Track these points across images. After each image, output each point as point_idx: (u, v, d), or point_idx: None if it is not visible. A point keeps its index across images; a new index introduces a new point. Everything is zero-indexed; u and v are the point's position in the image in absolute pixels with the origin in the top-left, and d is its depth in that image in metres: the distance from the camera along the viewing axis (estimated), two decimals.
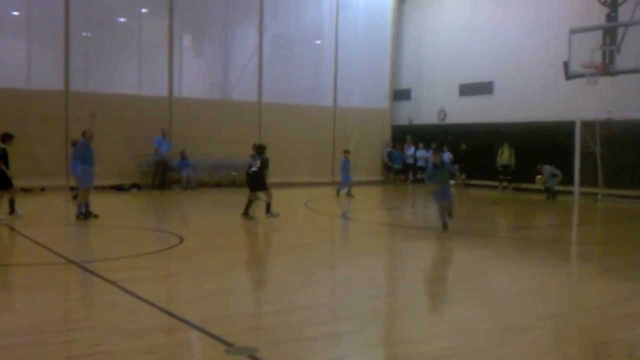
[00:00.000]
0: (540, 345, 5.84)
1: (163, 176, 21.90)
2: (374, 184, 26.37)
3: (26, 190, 19.00)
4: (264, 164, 14.11)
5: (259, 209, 14.38)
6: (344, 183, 20.24)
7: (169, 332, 5.99)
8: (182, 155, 22.22)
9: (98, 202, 17.04)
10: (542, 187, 20.80)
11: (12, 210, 13.62)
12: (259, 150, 14.21)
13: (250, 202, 14.23)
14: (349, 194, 19.90)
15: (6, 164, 13.63)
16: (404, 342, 5.98)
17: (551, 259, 10.61)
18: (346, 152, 20.85)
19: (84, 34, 22.02)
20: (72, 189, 17.05)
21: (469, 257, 10.84)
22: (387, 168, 28.11)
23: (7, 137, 13.88)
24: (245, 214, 14.04)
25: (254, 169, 14.05)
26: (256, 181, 14.06)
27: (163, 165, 21.83)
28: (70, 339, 5.74)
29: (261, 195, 14.40)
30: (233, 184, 23.38)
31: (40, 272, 8.69)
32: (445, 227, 12.59)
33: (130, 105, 21.81)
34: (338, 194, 20.20)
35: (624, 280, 8.79)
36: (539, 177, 20.52)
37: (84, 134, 14.16)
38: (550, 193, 20.52)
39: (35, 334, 5.81)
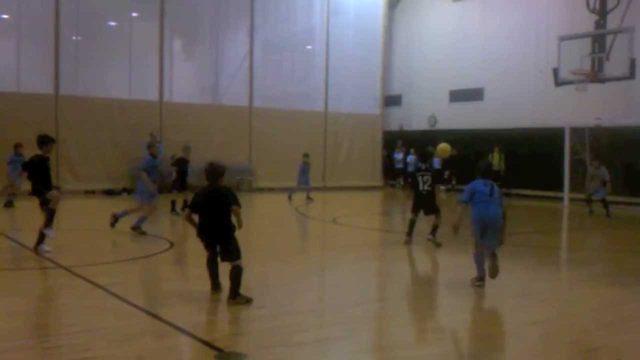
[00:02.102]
0: (529, 351, 5.86)
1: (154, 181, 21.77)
2: (366, 189, 26.38)
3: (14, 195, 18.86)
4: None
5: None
6: (301, 187, 20.32)
7: (158, 337, 5.96)
8: (172, 160, 22.12)
9: (88, 207, 17.02)
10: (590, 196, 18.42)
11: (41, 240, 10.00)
12: None
13: None
14: (309, 197, 20.00)
15: (46, 176, 10.06)
16: (394, 347, 5.98)
17: (540, 265, 10.65)
18: (305, 156, 20.80)
19: (74, 37, 21.97)
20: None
21: (459, 263, 10.84)
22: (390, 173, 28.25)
23: (43, 142, 10.25)
24: None
25: None
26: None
27: None
28: (59, 344, 5.70)
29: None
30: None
31: (28, 276, 8.64)
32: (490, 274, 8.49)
33: (120, 109, 21.77)
34: (290, 198, 20.24)
35: (612, 286, 8.82)
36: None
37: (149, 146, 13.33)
38: (605, 207, 17.85)
39: (23, 339, 5.77)
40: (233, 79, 24.95)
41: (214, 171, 7.50)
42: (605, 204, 17.76)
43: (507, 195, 23.68)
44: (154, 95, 22.67)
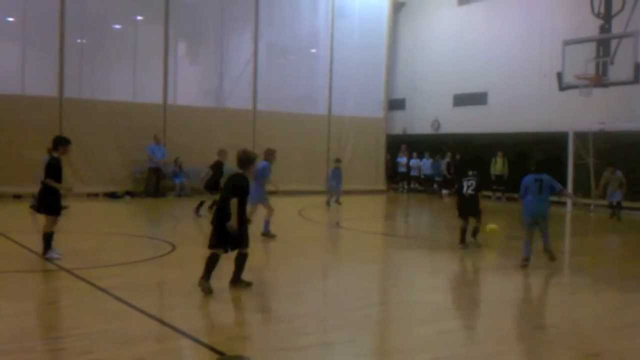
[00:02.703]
0: (531, 355, 5.85)
1: (156, 183, 21.85)
2: (369, 193, 26.37)
3: (17, 197, 18.94)
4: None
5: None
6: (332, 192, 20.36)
7: (160, 340, 5.97)
8: (176, 163, 22.19)
9: (91, 210, 17.04)
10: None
11: (46, 247, 9.79)
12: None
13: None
14: (338, 201, 20.02)
15: (58, 178, 9.88)
16: (396, 351, 5.97)
17: (544, 270, 10.62)
18: (337, 161, 20.87)
19: (79, 40, 22.01)
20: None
21: (462, 267, 10.85)
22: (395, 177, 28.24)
23: (59, 144, 10.07)
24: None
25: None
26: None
27: (156, 172, 21.79)
28: (61, 346, 5.71)
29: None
30: None
31: (31, 279, 8.65)
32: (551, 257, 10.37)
33: (124, 112, 21.78)
34: (330, 203, 20.20)
35: (615, 291, 8.81)
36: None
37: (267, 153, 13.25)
38: (617, 209, 18.29)
39: (25, 341, 5.78)
40: (237, 82, 24.97)
41: (242, 158, 8.33)
42: (620, 207, 18.24)
43: (510, 200, 23.71)
44: (158, 98, 22.69)
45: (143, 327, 6.31)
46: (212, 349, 5.53)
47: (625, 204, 19.18)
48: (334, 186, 20.31)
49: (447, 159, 25.41)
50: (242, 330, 6.49)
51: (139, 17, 23.66)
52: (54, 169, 9.84)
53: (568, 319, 7.19)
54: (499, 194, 24.09)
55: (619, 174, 18.27)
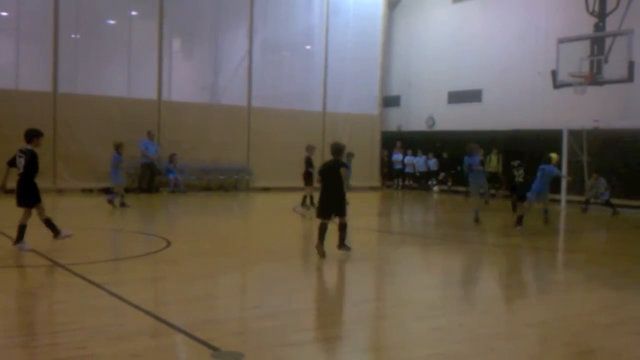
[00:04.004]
0: (525, 353, 5.87)
1: (150, 179, 21.81)
2: (364, 190, 26.38)
3: (11, 192, 18.84)
4: None
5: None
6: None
7: (154, 336, 5.96)
8: (170, 159, 22.15)
9: (85, 205, 17.01)
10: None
11: (19, 238, 9.95)
12: None
13: None
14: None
15: (37, 170, 10.30)
16: (390, 348, 5.98)
17: (537, 267, 10.67)
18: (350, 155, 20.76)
19: (73, 35, 21.94)
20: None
21: (456, 264, 10.87)
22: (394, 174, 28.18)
23: (34, 136, 10.30)
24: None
25: None
26: None
27: (150, 168, 21.74)
28: (55, 341, 5.70)
29: None
30: (221, 187, 23.37)
31: (25, 274, 8.63)
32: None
33: (118, 107, 21.73)
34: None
35: (609, 288, 8.84)
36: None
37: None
38: (612, 206, 18.84)
39: (19, 336, 5.77)
40: (232, 78, 24.94)
41: (336, 147, 10.27)
42: (610, 204, 18.79)
43: (505, 197, 23.74)
44: (152, 94, 22.64)
45: (137, 322, 6.30)
46: (207, 345, 5.53)
47: (619, 202, 19.30)
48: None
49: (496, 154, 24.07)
50: (237, 326, 6.49)
51: (134, 13, 23.60)
52: (35, 161, 10.05)
53: (562, 316, 7.21)
54: (493, 192, 24.10)
55: (602, 181, 19.01)
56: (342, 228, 10.16)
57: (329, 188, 10.12)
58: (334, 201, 10.09)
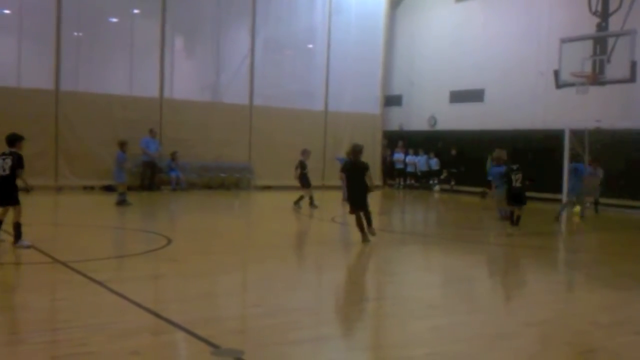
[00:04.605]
0: (525, 352, 5.86)
1: (152, 177, 21.82)
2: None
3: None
4: None
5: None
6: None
7: (155, 333, 5.96)
8: (173, 157, 22.15)
9: (87, 203, 17.02)
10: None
11: (17, 236, 10.01)
12: None
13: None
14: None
15: (21, 171, 10.31)
16: (390, 346, 5.98)
17: (538, 266, 10.66)
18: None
19: (76, 33, 21.93)
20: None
21: (456, 263, 10.87)
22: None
23: (16, 140, 10.49)
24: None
25: None
26: None
27: (151, 166, 21.75)
28: (56, 339, 5.70)
29: None
30: (222, 186, 23.37)
31: (25, 271, 8.64)
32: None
33: (120, 105, 21.74)
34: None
35: (610, 288, 8.83)
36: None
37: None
38: (595, 204, 18.98)
39: (19, 333, 5.77)
40: (234, 76, 24.94)
41: (356, 150, 11.66)
42: (596, 202, 18.84)
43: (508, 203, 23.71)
44: (154, 92, 22.66)
45: (138, 320, 6.30)
46: (207, 342, 5.53)
47: (622, 202, 19.31)
48: None
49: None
50: (237, 323, 6.49)
51: (136, 11, 23.59)
52: (22, 162, 10.24)
53: (563, 315, 7.21)
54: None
55: (600, 172, 18.81)
56: (368, 216, 11.71)
57: (355, 185, 11.75)
58: (359, 196, 11.64)
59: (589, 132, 20.23)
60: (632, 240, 14.94)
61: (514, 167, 13.79)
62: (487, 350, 5.82)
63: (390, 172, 28.43)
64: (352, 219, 11.88)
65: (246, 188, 23.76)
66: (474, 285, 8.98)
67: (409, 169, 27.63)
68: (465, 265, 10.70)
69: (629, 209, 19.57)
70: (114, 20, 23.37)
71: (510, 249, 12.35)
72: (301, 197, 17.50)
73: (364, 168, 11.58)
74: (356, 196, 11.71)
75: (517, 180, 13.54)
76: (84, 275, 8.02)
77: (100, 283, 7.61)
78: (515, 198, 13.64)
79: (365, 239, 11.53)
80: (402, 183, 28.03)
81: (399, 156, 27.92)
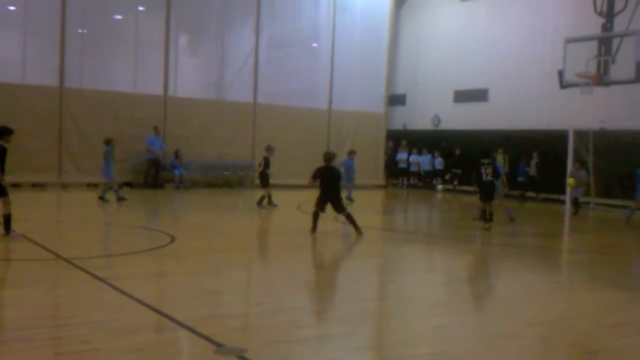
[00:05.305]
0: (528, 352, 5.86)
1: (155, 175, 21.85)
2: (368, 188, 26.37)
3: (16, 186, 18.91)
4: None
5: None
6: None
7: (158, 331, 5.98)
8: (176, 155, 22.17)
9: (90, 199, 17.04)
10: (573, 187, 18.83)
11: (7, 229, 10.38)
12: None
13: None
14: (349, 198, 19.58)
15: (3, 164, 10.50)
16: (392, 345, 5.98)
17: (541, 267, 10.65)
18: (351, 152, 20.64)
19: (80, 30, 21.94)
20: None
21: (459, 263, 10.87)
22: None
23: (4, 133, 10.62)
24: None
25: None
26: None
27: (155, 163, 21.77)
28: (59, 335, 5.72)
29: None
30: (226, 184, 23.38)
31: (29, 268, 8.65)
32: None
33: (124, 103, 21.77)
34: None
35: (613, 289, 8.82)
36: (570, 179, 18.53)
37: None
38: (577, 205, 18.70)
39: (23, 330, 5.78)
40: (238, 74, 24.93)
41: (328, 156, 12.77)
42: (577, 203, 18.62)
43: (508, 196, 23.72)
44: (158, 90, 22.67)
45: (141, 317, 6.32)
46: (210, 340, 5.54)
47: (625, 203, 19.24)
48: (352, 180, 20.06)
49: (535, 159, 22.95)
50: (240, 322, 6.50)
51: (141, 8, 23.59)
52: (3, 156, 10.34)
53: (565, 316, 7.21)
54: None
55: (582, 172, 18.74)
56: (349, 219, 12.25)
57: (327, 189, 12.36)
58: (331, 199, 12.39)
59: (593, 132, 20.20)
60: (636, 241, 14.91)
61: (485, 161, 13.92)
62: (489, 351, 5.82)
63: (393, 171, 28.39)
64: (358, 225, 12.07)
65: (249, 186, 23.75)
66: (476, 285, 8.97)
67: (412, 168, 27.60)
68: (468, 265, 10.69)
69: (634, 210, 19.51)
70: (119, 17, 23.38)
71: (512, 249, 12.34)
72: (262, 197, 17.02)
73: (338, 174, 12.59)
74: (330, 200, 12.39)
75: (487, 174, 13.71)
76: (88, 272, 8.04)
77: (103, 280, 7.63)
78: (486, 191, 13.81)
79: (313, 231, 12.28)
80: (405, 182, 28.01)
81: (402, 155, 27.88)
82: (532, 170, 22.45)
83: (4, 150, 10.39)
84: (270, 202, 16.97)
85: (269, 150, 17.49)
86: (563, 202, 20.67)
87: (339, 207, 12.41)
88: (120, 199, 16.82)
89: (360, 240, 12.00)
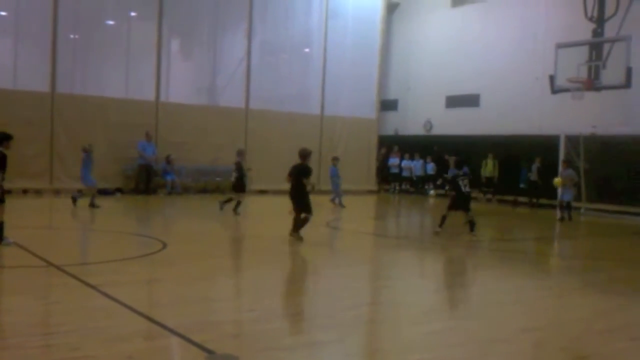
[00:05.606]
0: (520, 357, 5.87)
1: (147, 181, 21.78)
2: (360, 193, 26.39)
3: (7, 192, 18.80)
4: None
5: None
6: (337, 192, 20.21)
7: (149, 338, 5.94)
8: (167, 160, 22.12)
9: (81, 205, 16.97)
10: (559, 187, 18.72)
11: (0, 237, 10.19)
12: None
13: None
14: (340, 204, 19.82)
15: (3, 171, 10.46)
16: (385, 352, 5.97)
17: (533, 272, 10.67)
18: (334, 159, 20.87)
19: (72, 35, 21.89)
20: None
21: (451, 269, 10.87)
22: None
23: (3, 139, 10.49)
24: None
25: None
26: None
27: (147, 169, 21.71)
28: (49, 343, 5.68)
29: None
30: (218, 189, 23.32)
31: (20, 274, 8.60)
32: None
33: (116, 108, 21.70)
34: (339, 202, 19.96)
35: (604, 294, 8.84)
36: (557, 179, 18.46)
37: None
38: (567, 210, 18.36)
39: (13, 337, 5.74)
40: (230, 80, 24.91)
41: (303, 154, 12.28)
42: (569, 207, 18.37)
43: (501, 201, 23.80)
44: (150, 95, 22.62)
45: (132, 324, 6.28)
46: (202, 347, 5.52)
47: (616, 208, 19.34)
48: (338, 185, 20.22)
49: (537, 164, 22.41)
50: (232, 328, 6.48)
51: (133, 13, 23.56)
52: (4, 162, 10.29)
53: (556, 321, 7.21)
54: (489, 196, 24.18)
55: (571, 172, 18.51)
56: (304, 221, 12.01)
57: (291, 186, 12.17)
58: (299, 199, 12.07)
59: (584, 138, 20.28)
60: (628, 246, 14.96)
61: (462, 172, 13.61)
62: (482, 356, 5.82)
63: (386, 176, 28.42)
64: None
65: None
66: (468, 291, 8.98)
67: (405, 173, 27.63)
68: (460, 270, 10.70)
69: (625, 215, 19.60)
70: (111, 22, 23.33)
71: (505, 254, 12.36)
72: (239, 202, 16.48)
73: (302, 171, 12.06)
74: (291, 198, 12.23)
75: (465, 185, 13.41)
76: (78, 279, 8.00)
77: (94, 287, 7.59)
78: (463, 203, 13.44)
79: (297, 238, 11.92)
80: (397, 188, 28.03)
81: (394, 161, 27.92)
82: (534, 176, 22.26)
83: (4, 157, 10.31)
84: (226, 205, 16.40)
85: (240, 155, 17.13)
86: (520, 204, 20.72)
87: (298, 205, 12.07)
88: (93, 205, 16.58)
89: (353, 246, 11.99)
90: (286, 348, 5.78)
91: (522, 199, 23.15)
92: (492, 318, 7.31)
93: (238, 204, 16.43)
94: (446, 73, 26.09)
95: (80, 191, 17.15)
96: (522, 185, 22.88)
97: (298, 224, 11.99)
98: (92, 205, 16.58)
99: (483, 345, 6.10)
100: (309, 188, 12.09)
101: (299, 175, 12.02)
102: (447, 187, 15.31)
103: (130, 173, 21.92)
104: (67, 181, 20.99)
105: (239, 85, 24.66)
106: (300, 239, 11.83)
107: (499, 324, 7.01)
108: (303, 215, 11.97)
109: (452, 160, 14.14)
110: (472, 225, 13.35)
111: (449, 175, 13.72)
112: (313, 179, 12.76)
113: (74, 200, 16.79)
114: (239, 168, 16.80)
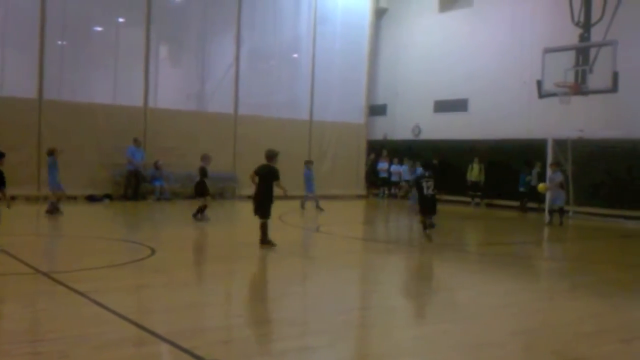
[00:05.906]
0: None
1: (136, 187, 21.70)
2: (350, 198, 26.41)
3: (13, 198, 18.71)
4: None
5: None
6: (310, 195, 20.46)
7: (138, 345, 5.91)
8: (156, 166, 22.04)
9: (69, 212, 16.88)
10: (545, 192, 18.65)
11: None
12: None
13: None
14: (318, 207, 20.05)
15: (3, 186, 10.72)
16: (375, 356, 5.96)
17: (522, 275, 10.70)
18: (308, 162, 21.09)
19: (60, 42, 21.81)
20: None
21: (441, 273, 10.88)
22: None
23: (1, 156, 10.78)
24: None
25: None
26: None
27: (136, 175, 21.63)
28: (37, 350, 5.63)
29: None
30: None
31: (7, 282, 8.53)
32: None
33: (104, 114, 21.64)
34: (303, 206, 20.32)
35: (594, 297, 8.87)
36: (542, 185, 18.52)
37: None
38: (560, 215, 18.31)
39: (1, 345, 5.70)
40: (219, 86, 24.89)
41: (269, 155, 11.89)
42: (562, 212, 18.44)
43: (488, 205, 23.87)
44: (138, 101, 22.56)
45: (121, 331, 6.24)
46: (191, 354, 5.49)
47: (603, 211, 19.42)
48: (312, 188, 20.47)
49: (537, 169, 22.26)
50: (222, 334, 6.45)
51: (121, 19, 23.50)
52: (3, 178, 10.56)
53: (547, 324, 7.23)
54: (477, 200, 24.25)
55: (559, 175, 18.52)
56: (263, 227, 11.59)
57: (264, 191, 11.63)
58: (263, 202, 11.60)
59: (571, 142, 20.38)
60: (616, 248, 15.03)
61: (426, 173, 13.36)
62: (473, 359, 5.82)
63: (374, 181, 28.45)
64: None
65: (231, 198, 23.67)
66: (458, 294, 8.98)
67: (393, 178, 27.67)
68: (450, 273, 10.71)
69: (611, 217, 19.69)
70: (99, 29, 23.25)
71: (494, 258, 12.38)
72: (205, 207, 16.37)
73: (267, 173, 11.57)
74: (261, 201, 11.65)
75: (428, 187, 13.06)
76: (66, 286, 7.94)
77: (82, 294, 7.54)
78: (428, 207, 13.20)
79: (270, 244, 11.61)
80: (385, 192, 28.06)
81: (383, 165, 27.96)
82: (534, 180, 22.01)
83: (1, 172, 10.53)
84: (201, 212, 16.24)
85: (205, 160, 16.98)
86: (508, 208, 20.79)
87: (259, 208, 11.58)
88: (54, 211, 16.25)
89: (343, 251, 11.98)
90: (277, 353, 5.77)
91: (513, 202, 23.17)
92: (483, 321, 7.31)
93: (202, 209, 16.18)
94: (434, 78, 26.19)
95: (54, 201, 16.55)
96: (521, 189, 22.88)
97: (264, 233, 11.63)
98: (54, 210, 16.11)
99: (474, 349, 6.11)
100: (284, 192, 11.77)
101: (270, 178, 11.55)
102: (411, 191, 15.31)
103: (119, 179, 21.83)
104: None
105: (227, 91, 24.64)
106: (273, 244, 11.57)
107: (490, 328, 7.02)
108: (261, 221, 11.58)
109: (419, 163, 14.12)
110: (430, 225, 13.21)
111: (413, 177, 13.72)
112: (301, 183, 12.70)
113: (51, 211, 16.27)
114: (203, 173, 16.60)
